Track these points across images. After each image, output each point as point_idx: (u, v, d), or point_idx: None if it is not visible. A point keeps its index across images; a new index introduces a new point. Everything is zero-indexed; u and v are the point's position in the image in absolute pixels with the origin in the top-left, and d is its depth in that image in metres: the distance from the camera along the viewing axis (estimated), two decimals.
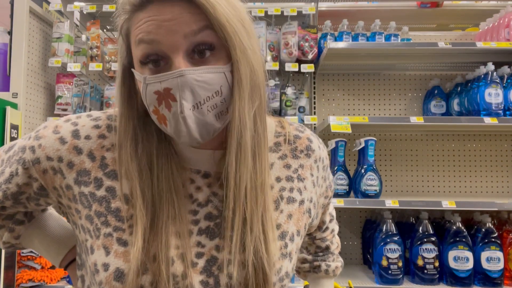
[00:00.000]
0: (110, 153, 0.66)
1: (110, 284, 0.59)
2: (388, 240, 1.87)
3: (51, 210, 0.82)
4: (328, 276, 0.94)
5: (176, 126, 0.58)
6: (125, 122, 0.64)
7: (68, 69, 2.09)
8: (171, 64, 0.58)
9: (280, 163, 0.72)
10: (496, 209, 1.90)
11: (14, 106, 1.93)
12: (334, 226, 0.96)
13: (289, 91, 2.16)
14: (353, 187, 1.99)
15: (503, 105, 1.96)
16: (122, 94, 0.64)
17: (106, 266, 0.60)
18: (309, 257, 0.95)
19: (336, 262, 0.95)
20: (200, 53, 0.59)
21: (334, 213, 0.96)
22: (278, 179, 0.71)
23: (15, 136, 1.88)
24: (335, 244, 0.96)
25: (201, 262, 0.62)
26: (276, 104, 2.13)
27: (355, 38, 2.17)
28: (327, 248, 0.95)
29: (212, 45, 0.59)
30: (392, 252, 1.86)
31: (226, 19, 0.58)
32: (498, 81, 1.97)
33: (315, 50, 2.13)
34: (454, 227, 1.89)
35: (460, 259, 1.85)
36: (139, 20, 0.59)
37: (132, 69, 0.63)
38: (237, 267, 0.61)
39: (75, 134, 0.66)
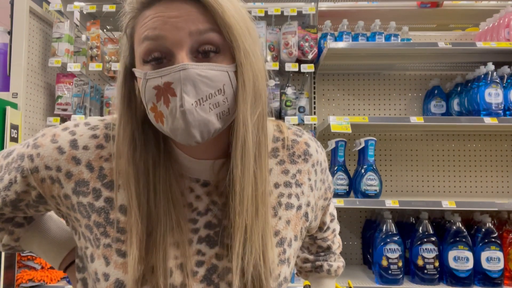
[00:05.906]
0: (108, 164, 0.65)
1: None
2: (388, 240, 1.87)
3: (51, 213, 0.81)
4: (330, 276, 0.94)
5: (173, 123, 0.57)
6: (124, 125, 0.63)
7: (68, 69, 2.09)
8: (174, 60, 0.57)
9: (278, 168, 0.72)
10: (496, 209, 1.89)
11: (14, 106, 1.93)
12: (336, 226, 0.96)
13: (289, 91, 2.16)
14: (353, 187, 1.99)
15: (503, 105, 1.97)
16: (123, 95, 0.64)
17: (106, 276, 0.60)
18: (311, 257, 0.95)
19: (338, 262, 0.95)
20: (205, 53, 0.58)
21: (335, 213, 0.96)
22: (277, 185, 0.70)
23: (15, 136, 1.88)
24: (337, 244, 0.96)
25: (202, 271, 0.62)
26: (276, 104, 2.12)
27: (355, 38, 2.17)
28: (329, 248, 0.94)
29: (218, 47, 0.59)
30: (392, 252, 1.86)
31: (233, 21, 0.58)
32: (498, 81, 1.97)
33: (315, 50, 2.13)
34: (454, 227, 1.89)
35: (460, 259, 1.85)
36: (145, 17, 0.58)
37: (133, 69, 0.62)
38: (238, 275, 0.60)
39: (73, 144, 0.65)
